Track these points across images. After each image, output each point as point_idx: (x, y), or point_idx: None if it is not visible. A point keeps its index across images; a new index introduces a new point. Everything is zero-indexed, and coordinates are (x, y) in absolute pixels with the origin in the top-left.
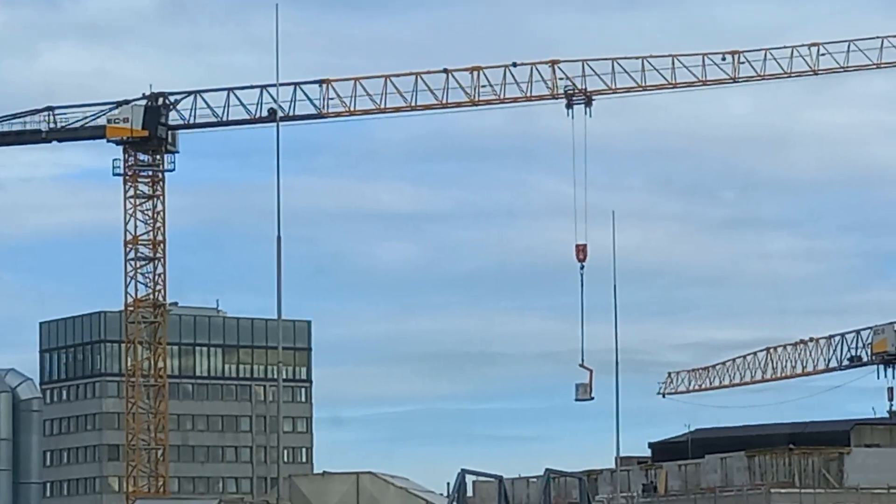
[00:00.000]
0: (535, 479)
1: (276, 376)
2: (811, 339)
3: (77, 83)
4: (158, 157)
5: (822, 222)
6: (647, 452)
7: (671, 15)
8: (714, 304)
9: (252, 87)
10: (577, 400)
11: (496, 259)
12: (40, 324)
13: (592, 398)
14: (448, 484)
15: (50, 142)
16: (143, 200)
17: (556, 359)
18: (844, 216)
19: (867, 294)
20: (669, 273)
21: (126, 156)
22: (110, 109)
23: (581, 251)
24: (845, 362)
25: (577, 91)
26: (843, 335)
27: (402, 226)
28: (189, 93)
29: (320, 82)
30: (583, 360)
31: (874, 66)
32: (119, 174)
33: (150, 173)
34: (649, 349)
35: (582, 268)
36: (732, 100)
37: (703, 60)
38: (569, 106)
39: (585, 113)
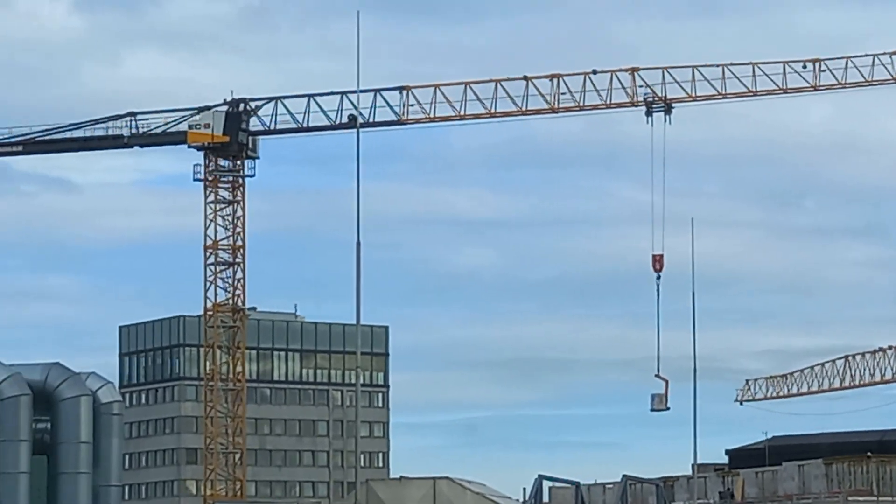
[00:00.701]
0: (612, 486)
1: (353, 381)
2: (889, 347)
3: (158, 89)
4: (239, 162)
5: None
6: (725, 459)
7: (751, 22)
8: (791, 311)
9: (332, 93)
10: (652, 410)
11: (573, 266)
12: (120, 328)
13: (668, 409)
14: (525, 489)
15: (131, 147)
16: (224, 206)
17: (633, 366)
18: None
19: None
20: (746, 280)
21: (207, 161)
22: (191, 115)
23: (657, 261)
24: None
25: (656, 98)
26: None
27: (481, 232)
28: (270, 99)
29: (400, 89)
30: (658, 371)
31: None
32: (200, 179)
33: (231, 178)
34: (726, 357)
35: (658, 278)
36: (812, 107)
37: (784, 68)
38: (648, 113)
39: (665, 120)
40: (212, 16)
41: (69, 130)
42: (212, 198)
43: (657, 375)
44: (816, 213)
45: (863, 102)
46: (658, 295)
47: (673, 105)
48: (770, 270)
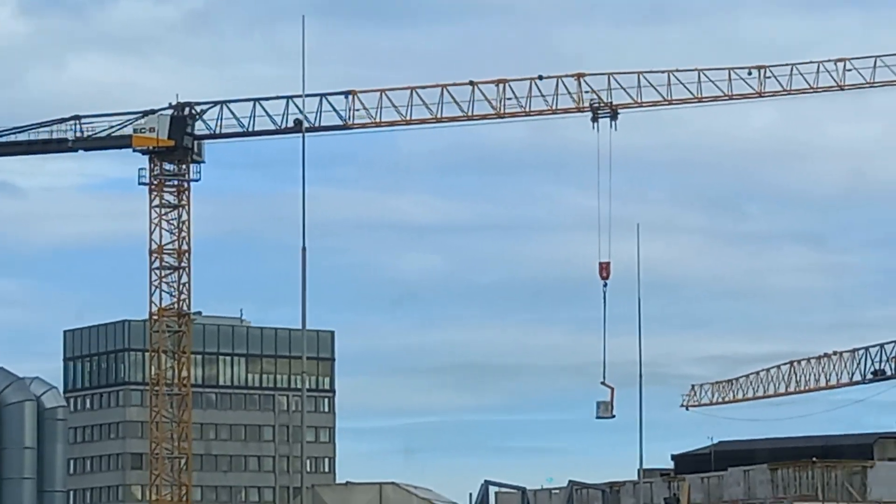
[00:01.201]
0: (557, 491)
1: (299, 386)
2: (835, 353)
3: (103, 93)
4: (184, 166)
5: (845, 237)
6: (671, 465)
7: (696, 30)
8: (736, 317)
9: (278, 97)
10: (598, 418)
11: (520, 271)
12: (65, 332)
13: (614, 416)
14: (471, 495)
15: (76, 150)
16: (169, 210)
17: (580, 371)
18: (868, 231)
19: (891, 308)
20: (691, 286)
21: (152, 165)
22: (136, 119)
23: (604, 269)
24: (869, 376)
25: (602, 104)
26: (866, 349)
27: (426, 237)
28: (215, 103)
29: (346, 93)
30: (604, 378)
31: None
32: (145, 183)
33: (176, 183)
34: (671, 362)
35: (605, 286)
36: (755, 113)
37: (730, 75)
38: (594, 119)
39: (611, 126)
40: (157, 20)
41: (13, 134)
42: (157, 202)
43: (603, 383)
44: (760, 219)
45: (806, 109)
46: (605, 303)
47: (619, 111)
48: (714, 276)
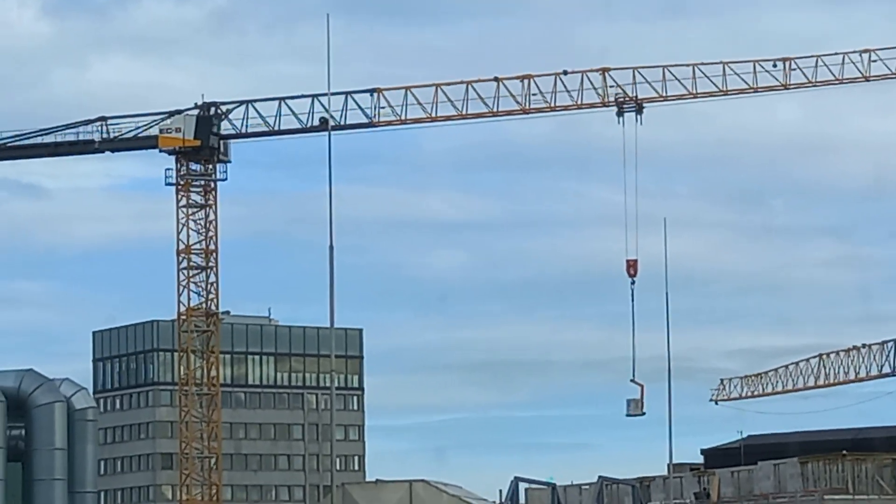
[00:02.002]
0: (587, 487)
1: (328, 384)
2: (863, 346)
3: (127, 94)
4: (210, 166)
5: (871, 230)
6: (700, 459)
7: (720, 23)
8: (763, 311)
9: (303, 96)
10: (628, 415)
11: (546, 268)
12: (94, 333)
13: (644, 414)
14: (500, 491)
15: (102, 152)
16: (196, 210)
17: (608, 367)
18: (895, 223)
19: None
20: (718, 280)
21: (178, 165)
22: (162, 119)
23: (631, 266)
24: None
25: (627, 98)
26: (895, 341)
27: (452, 234)
28: (241, 102)
29: (371, 91)
30: (634, 376)
31: None
32: (171, 184)
33: (203, 183)
34: (698, 356)
35: (633, 283)
36: (780, 107)
37: (755, 67)
38: (619, 114)
39: (636, 121)
40: (180, 20)
41: (39, 136)
42: (184, 202)
43: (632, 380)
44: (786, 213)
45: (831, 102)
46: (633, 300)
47: (644, 105)
48: (741, 270)
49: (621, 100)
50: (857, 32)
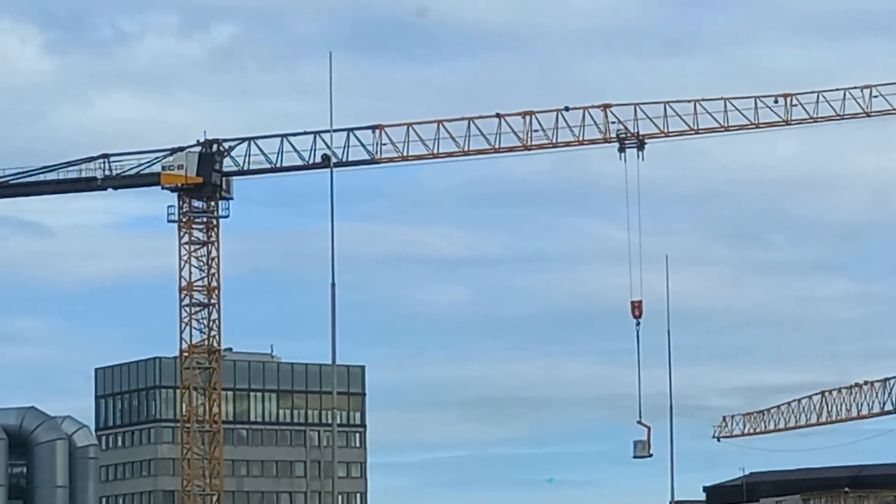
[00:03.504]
0: None
1: (330, 421)
2: (866, 383)
3: (129, 131)
4: (213, 203)
5: (872, 265)
6: (702, 496)
7: (718, 59)
8: (763, 348)
9: (305, 133)
10: (635, 457)
11: (547, 304)
12: (96, 370)
13: (651, 455)
14: None
15: (105, 189)
16: (198, 247)
17: (608, 403)
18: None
19: None
20: (718, 317)
21: (181, 202)
22: (165, 156)
23: (637, 308)
24: None
25: (629, 135)
26: None
27: (453, 271)
28: (243, 139)
29: (373, 128)
30: (640, 417)
31: None
32: (174, 220)
33: (205, 219)
34: (698, 394)
35: (637, 324)
36: (780, 143)
37: (756, 103)
38: (621, 150)
39: (638, 157)
40: (181, 56)
41: (42, 173)
42: (186, 239)
43: (639, 422)
44: (786, 249)
45: (830, 138)
46: (638, 342)
47: (646, 141)
48: (741, 307)
49: (623, 136)
50: (857, 68)
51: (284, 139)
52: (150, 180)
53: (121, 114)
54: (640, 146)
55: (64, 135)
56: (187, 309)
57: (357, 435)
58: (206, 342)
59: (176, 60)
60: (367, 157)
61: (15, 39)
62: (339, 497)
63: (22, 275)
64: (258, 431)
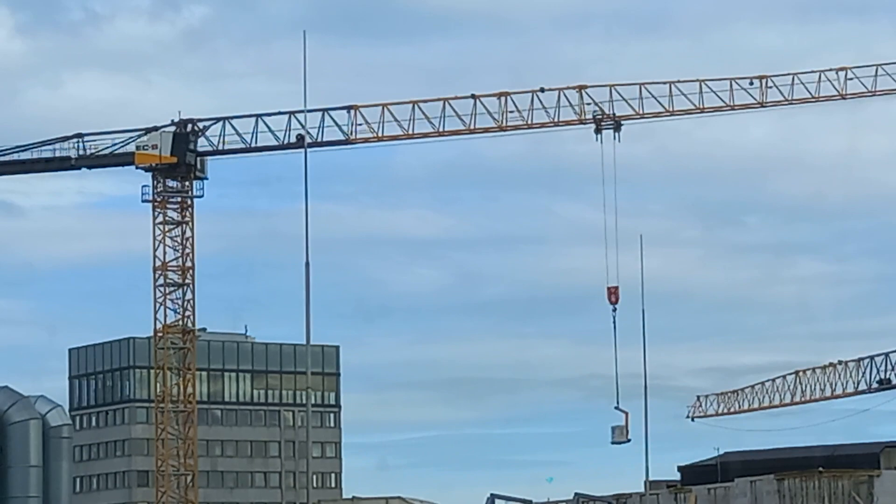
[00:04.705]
0: None
1: (304, 401)
2: (840, 362)
3: (101, 112)
4: (187, 183)
5: (846, 246)
6: (677, 476)
7: (693, 41)
8: (736, 328)
9: (280, 113)
10: (613, 443)
11: (521, 285)
12: (69, 350)
13: (629, 440)
14: None
15: (79, 168)
16: (172, 227)
17: (583, 384)
18: (869, 240)
19: (893, 318)
20: (692, 298)
21: (155, 182)
22: (139, 136)
23: (613, 294)
24: (874, 385)
25: (605, 116)
26: (871, 358)
27: (428, 252)
28: (217, 119)
29: (348, 108)
30: (618, 403)
31: None
32: (148, 200)
33: (179, 199)
34: (671, 374)
35: (614, 310)
36: (753, 124)
37: (731, 85)
38: (598, 131)
39: (614, 138)
40: (153, 38)
41: (15, 153)
42: (160, 219)
43: (617, 407)
44: (760, 230)
45: (803, 119)
46: (615, 328)
47: (622, 122)
48: (714, 287)
49: (599, 117)
50: (832, 51)
51: (259, 119)
52: (125, 160)
53: (92, 94)
54: (617, 127)
55: (35, 116)
56: (161, 289)
57: (331, 415)
58: (180, 322)
59: (148, 41)
60: (341, 137)
61: None
62: (314, 477)
63: None
64: (232, 411)
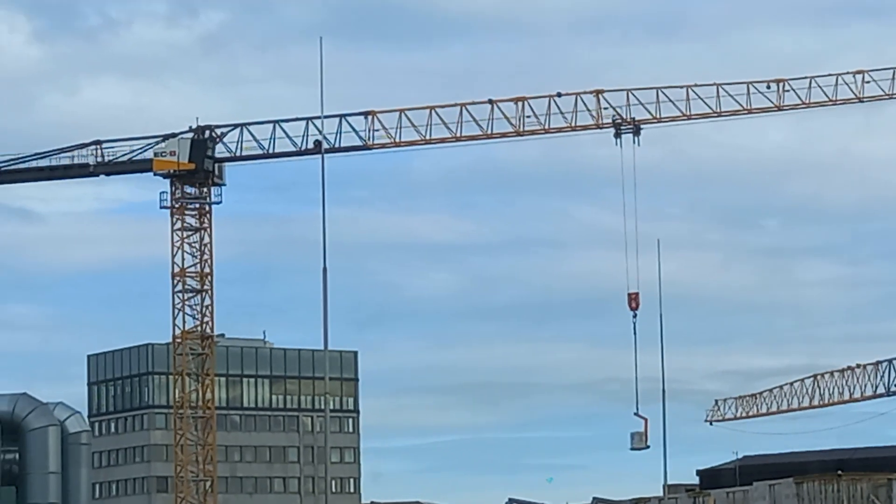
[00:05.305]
0: None
1: (323, 407)
2: (858, 366)
3: (118, 117)
4: (205, 189)
5: (864, 249)
6: (696, 480)
7: (710, 45)
8: (755, 332)
9: (298, 119)
10: (632, 449)
11: (537, 289)
12: (88, 356)
13: (648, 447)
14: None
15: (97, 175)
16: (190, 233)
17: (600, 388)
18: (887, 243)
19: None
20: (710, 301)
21: (173, 189)
22: (157, 143)
23: (633, 300)
24: (892, 388)
25: (624, 121)
26: (889, 361)
27: (444, 257)
28: (235, 125)
29: (365, 114)
30: (637, 409)
31: None
32: (166, 207)
33: (197, 206)
34: (689, 378)
35: (634, 316)
36: (771, 127)
37: (748, 89)
38: (617, 135)
39: (634, 142)
40: (169, 43)
41: (34, 160)
42: (178, 225)
43: (636, 414)
44: (778, 233)
45: (822, 122)
46: (635, 334)
47: (641, 126)
48: (733, 291)
49: (618, 122)
50: (849, 54)
51: (276, 125)
52: (143, 166)
53: (109, 100)
54: (636, 132)
55: (52, 122)
56: (180, 295)
57: (350, 420)
58: (198, 328)
59: (164, 47)
60: (359, 143)
61: (3, 28)
62: (333, 482)
63: (14, 261)
64: (251, 417)
